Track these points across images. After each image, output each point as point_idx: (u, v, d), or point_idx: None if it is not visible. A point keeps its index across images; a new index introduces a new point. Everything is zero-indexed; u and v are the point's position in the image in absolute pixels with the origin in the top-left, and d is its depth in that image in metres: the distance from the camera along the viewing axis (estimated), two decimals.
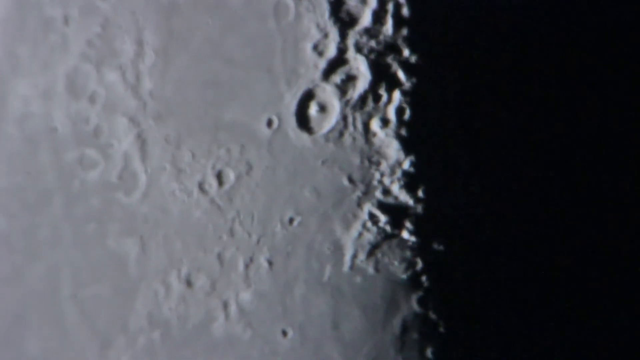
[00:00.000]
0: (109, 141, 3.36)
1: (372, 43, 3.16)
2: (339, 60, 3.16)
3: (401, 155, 3.15)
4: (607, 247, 3.24)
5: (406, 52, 3.15)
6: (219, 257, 3.26)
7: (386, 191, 3.16)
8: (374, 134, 3.15)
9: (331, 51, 3.17)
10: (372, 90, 3.15)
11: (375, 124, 3.15)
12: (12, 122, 3.51)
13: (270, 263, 3.22)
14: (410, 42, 3.14)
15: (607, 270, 3.24)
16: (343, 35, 3.16)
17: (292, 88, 3.18)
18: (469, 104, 3.14)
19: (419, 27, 3.14)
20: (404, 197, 3.16)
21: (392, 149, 3.14)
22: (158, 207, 3.31)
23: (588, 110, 3.23)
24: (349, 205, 3.18)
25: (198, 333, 3.29)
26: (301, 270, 3.21)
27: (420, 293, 3.18)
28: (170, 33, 3.29)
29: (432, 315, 3.18)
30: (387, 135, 3.15)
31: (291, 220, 3.20)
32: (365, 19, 3.16)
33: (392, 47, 3.15)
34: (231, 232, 3.24)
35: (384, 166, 3.15)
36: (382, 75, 3.15)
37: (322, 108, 3.18)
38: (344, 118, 3.16)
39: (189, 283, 3.28)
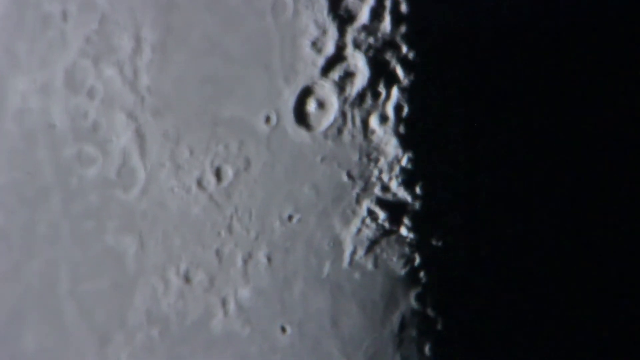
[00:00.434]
0: (107, 137, 3.35)
1: (371, 40, 3.15)
2: (338, 57, 3.16)
3: (400, 152, 3.14)
4: (608, 244, 3.24)
5: (404, 49, 3.14)
6: (218, 253, 3.26)
7: (385, 188, 3.16)
8: (373, 131, 3.15)
9: (329, 48, 3.16)
10: (371, 87, 3.15)
11: (373, 121, 3.15)
12: (10, 118, 3.51)
13: (269, 259, 3.22)
14: (409, 39, 3.14)
15: (607, 267, 3.24)
16: (341, 32, 3.16)
17: (290, 84, 3.18)
18: (468, 101, 3.14)
19: (417, 23, 3.14)
20: (403, 194, 3.15)
21: (391, 146, 3.14)
22: (156, 203, 3.31)
23: (590, 107, 3.23)
24: (348, 202, 3.18)
25: (197, 329, 3.29)
26: (300, 267, 3.21)
27: (418, 289, 3.18)
28: (168, 29, 3.28)
29: (431, 312, 3.18)
30: (385, 132, 3.14)
31: (290, 217, 3.20)
32: (364, 16, 3.16)
33: (390, 44, 3.14)
34: (230, 229, 3.24)
35: (382, 163, 3.15)
36: (380, 72, 3.14)
37: (321, 105, 3.18)
38: (343, 115, 3.16)
39: (187, 279, 3.28)
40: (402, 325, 3.19)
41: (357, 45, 3.15)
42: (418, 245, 3.17)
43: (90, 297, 3.40)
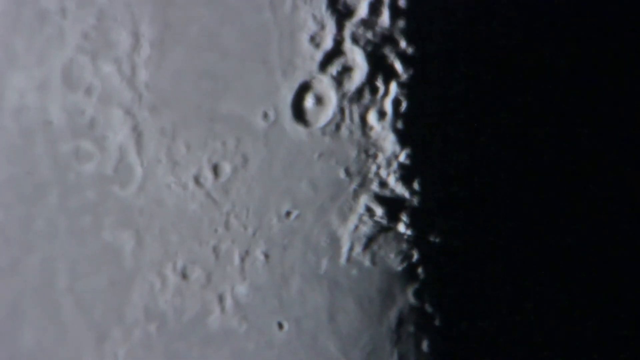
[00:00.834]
0: (104, 133, 3.35)
1: (369, 34, 3.15)
2: (336, 52, 3.16)
3: (397, 148, 3.14)
4: (607, 242, 3.24)
5: (403, 44, 3.14)
6: (215, 250, 3.25)
7: (382, 184, 3.16)
8: (371, 127, 3.15)
9: (328, 43, 3.16)
10: (369, 83, 3.15)
11: (372, 117, 3.15)
12: (7, 115, 3.50)
13: (266, 256, 3.22)
14: (407, 34, 3.14)
15: (606, 264, 3.25)
16: (339, 27, 3.16)
17: (288, 80, 3.18)
18: (466, 97, 3.14)
19: (416, 18, 3.14)
20: (400, 190, 3.16)
21: (389, 142, 3.14)
22: (154, 199, 3.31)
23: (588, 104, 3.23)
24: (346, 198, 3.18)
25: (194, 326, 3.29)
26: (297, 263, 3.21)
27: (416, 286, 3.18)
28: (165, 25, 3.28)
29: (428, 308, 3.18)
30: (383, 128, 3.15)
31: (287, 213, 3.20)
32: (362, 10, 3.16)
33: (388, 39, 3.15)
34: (227, 225, 3.24)
35: (380, 159, 3.15)
36: (378, 67, 3.15)
37: (319, 100, 3.18)
38: (341, 111, 3.16)
39: (184, 276, 3.28)
40: (400, 322, 3.19)
41: (355, 40, 3.15)
42: (415, 241, 3.17)
43: (87, 293, 3.39)
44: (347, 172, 3.17)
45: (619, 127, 3.27)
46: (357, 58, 3.15)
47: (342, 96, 3.16)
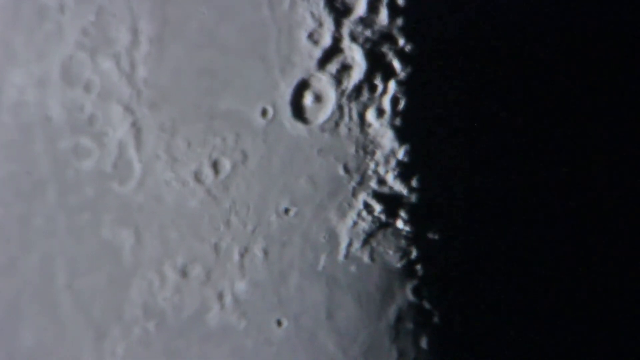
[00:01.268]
0: (103, 130, 3.35)
1: (367, 32, 3.15)
2: (334, 50, 3.16)
3: (396, 145, 3.15)
4: (604, 240, 3.25)
5: (401, 42, 3.14)
6: (214, 247, 3.25)
7: (381, 181, 3.16)
8: (369, 124, 3.15)
9: (326, 40, 3.16)
10: (368, 80, 3.15)
11: (370, 114, 3.15)
12: (6, 111, 3.50)
13: (265, 253, 3.22)
14: (406, 32, 3.14)
15: (603, 262, 3.25)
16: (338, 24, 3.16)
17: (287, 77, 3.18)
18: (464, 94, 3.14)
19: (414, 16, 3.14)
20: (399, 187, 3.16)
21: (387, 139, 3.14)
22: (153, 196, 3.31)
23: (586, 100, 3.23)
24: (344, 195, 3.18)
25: (193, 323, 3.29)
26: (296, 260, 3.21)
27: (414, 282, 3.18)
28: (165, 21, 3.28)
29: (427, 305, 3.18)
30: (382, 125, 3.15)
31: (286, 210, 3.20)
32: (360, 8, 3.16)
33: (387, 37, 3.14)
34: (226, 222, 3.24)
35: (378, 156, 3.15)
36: (377, 65, 3.14)
37: (318, 98, 3.18)
38: (340, 108, 3.16)
39: (184, 273, 3.28)
40: (398, 318, 3.19)
41: (353, 37, 3.15)
42: (414, 238, 3.17)
43: (86, 291, 3.39)
44: (346, 169, 3.17)
45: (619, 126, 3.27)
46: (355, 56, 3.15)
47: (340, 94, 3.16)
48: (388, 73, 3.14)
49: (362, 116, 3.15)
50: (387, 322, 3.19)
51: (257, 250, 3.23)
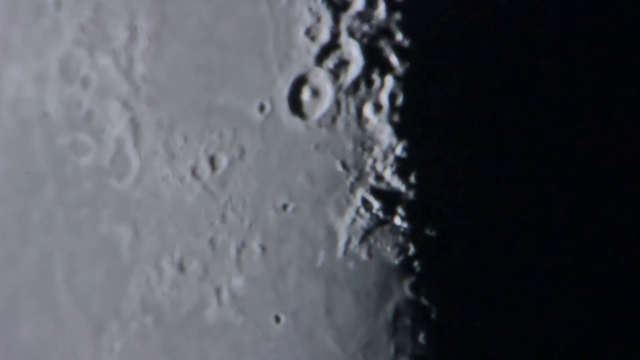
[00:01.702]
0: (101, 126, 3.35)
1: (365, 27, 3.15)
2: (332, 45, 3.16)
3: (394, 140, 3.14)
4: (604, 237, 3.24)
5: (399, 37, 3.14)
6: (212, 242, 3.25)
7: (379, 177, 3.16)
8: (367, 120, 3.15)
9: (324, 35, 3.16)
10: (365, 75, 3.15)
11: (368, 110, 3.15)
12: (4, 107, 3.50)
13: (263, 248, 3.22)
14: (403, 27, 3.13)
15: (601, 260, 3.25)
16: (336, 20, 3.15)
17: (284, 72, 3.18)
18: (462, 89, 3.14)
19: (412, 11, 3.13)
20: (397, 183, 3.15)
21: (385, 135, 3.14)
22: (151, 192, 3.31)
23: (579, 96, 3.23)
24: (342, 191, 3.18)
25: (191, 318, 3.29)
26: (294, 256, 3.21)
27: (412, 279, 3.18)
28: (162, 18, 3.28)
29: (425, 301, 3.18)
30: (379, 120, 3.14)
31: (284, 206, 3.20)
32: (358, 3, 3.15)
33: (384, 32, 3.14)
34: (224, 218, 3.24)
35: (376, 152, 3.15)
36: (374, 60, 3.14)
37: (315, 93, 3.17)
38: (337, 103, 3.16)
39: (181, 268, 3.28)
40: (396, 315, 3.19)
41: (351, 32, 3.15)
42: (412, 234, 3.17)
43: (84, 286, 3.39)
44: (344, 164, 3.17)
45: (619, 126, 3.26)
46: (353, 51, 3.15)
47: (338, 89, 3.15)
48: (385, 68, 3.14)
49: (359, 111, 3.14)
50: (385, 318, 3.19)
51: (255, 246, 3.22)
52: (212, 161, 3.25)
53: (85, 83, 3.37)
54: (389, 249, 3.18)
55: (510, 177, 3.16)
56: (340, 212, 3.18)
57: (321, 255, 3.19)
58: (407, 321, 3.19)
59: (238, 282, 3.24)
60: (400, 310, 3.19)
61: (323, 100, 3.17)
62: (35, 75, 3.44)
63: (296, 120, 3.19)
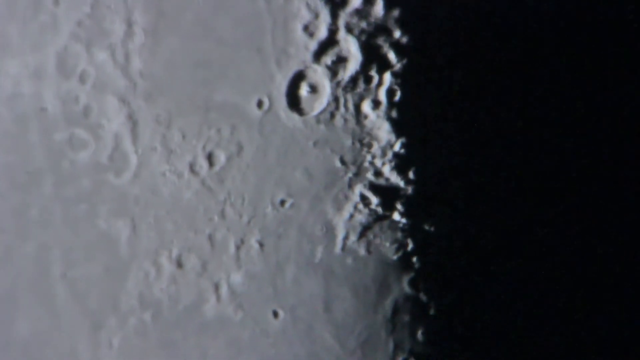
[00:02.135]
0: (99, 121, 3.34)
1: (363, 24, 3.14)
2: (330, 41, 3.15)
3: (392, 137, 3.14)
4: (603, 234, 3.24)
5: (397, 33, 3.13)
6: (210, 238, 3.25)
7: (377, 173, 3.16)
8: (365, 116, 3.14)
9: (322, 32, 3.15)
10: (363, 72, 3.14)
11: (366, 106, 3.14)
12: (2, 102, 3.50)
13: (261, 244, 3.22)
14: (401, 23, 3.12)
15: (602, 256, 3.25)
16: (334, 16, 3.14)
17: (282, 69, 3.17)
18: (460, 85, 3.13)
19: (410, 7, 3.12)
20: (395, 179, 3.15)
21: (383, 131, 3.14)
22: (149, 188, 3.30)
23: (576, 95, 3.23)
24: (341, 187, 3.18)
25: (189, 314, 3.29)
26: (292, 252, 3.21)
27: (411, 274, 3.18)
28: (160, 13, 3.27)
29: (423, 297, 3.18)
30: (378, 117, 3.14)
31: (282, 202, 3.20)
32: (356, 0, 3.14)
33: (382, 28, 3.13)
34: (222, 214, 3.24)
35: (375, 148, 3.14)
36: (373, 57, 3.13)
37: (313, 89, 3.17)
38: (335, 99, 3.15)
39: (180, 264, 3.28)
40: (395, 310, 3.19)
41: (349, 29, 3.14)
42: (411, 230, 3.17)
43: (82, 282, 3.40)
44: (342, 160, 3.16)
45: (619, 126, 3.26)
46: (351, 47, 3.14)
47: (336, 85, 3.15)
48: (384, 65, 3.13)
49: (358, 107, 3.14)
50: (384, 314, 3.19)
51: (253, 242, 3.23)
52: (210, 157, 3.24)
53: (82, 78, 3.36)
54: (387, 244, 3.18)
55: (509, 172, 3.15)
56: (339, 208, 3.18)
57: (319, 251, 3.19)
58: (406, 317, 3.19)
59: (236, 277, 3.24)
60: (398, 306, 3.19)
61: (321, 97, 3.16)
62: (33, 71, 3.44)
63: (294, 117, 3.18)
